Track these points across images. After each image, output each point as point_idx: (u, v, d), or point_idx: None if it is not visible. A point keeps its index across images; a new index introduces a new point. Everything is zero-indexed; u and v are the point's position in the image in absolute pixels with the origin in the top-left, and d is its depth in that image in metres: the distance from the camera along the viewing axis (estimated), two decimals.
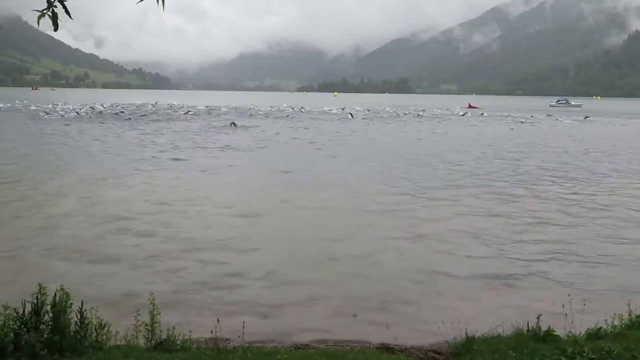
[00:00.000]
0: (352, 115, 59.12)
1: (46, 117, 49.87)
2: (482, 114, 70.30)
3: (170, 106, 76.45)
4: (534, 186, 17.58)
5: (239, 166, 21.50)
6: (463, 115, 66.66)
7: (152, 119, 49.51)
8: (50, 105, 68.45)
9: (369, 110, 73.61)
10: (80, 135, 33.12)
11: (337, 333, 6.75)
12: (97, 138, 31.12)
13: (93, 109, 63.62)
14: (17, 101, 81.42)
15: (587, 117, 64.95)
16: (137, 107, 71.14)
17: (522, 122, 55.58)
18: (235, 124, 41.87)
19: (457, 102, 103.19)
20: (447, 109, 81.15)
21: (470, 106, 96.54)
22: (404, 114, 68.40)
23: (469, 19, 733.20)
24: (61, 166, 20.55)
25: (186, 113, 59.44)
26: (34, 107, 64.62)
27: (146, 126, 40.94)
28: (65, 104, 73.32)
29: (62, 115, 51.96)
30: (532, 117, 63.97)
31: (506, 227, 12.20)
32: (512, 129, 44.61)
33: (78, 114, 54.76)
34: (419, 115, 66.08)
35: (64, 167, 20.40)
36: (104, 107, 68.75)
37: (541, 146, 30.91)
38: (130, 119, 49.35)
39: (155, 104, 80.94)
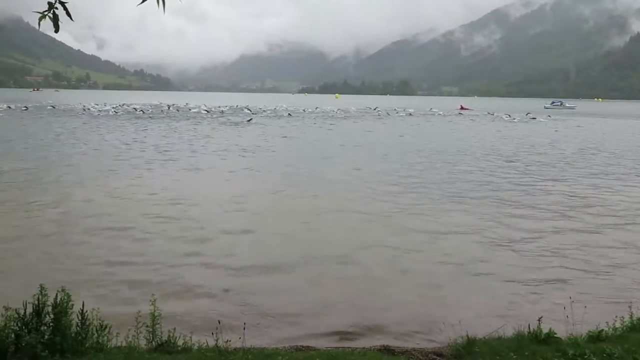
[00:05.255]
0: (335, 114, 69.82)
1: (97, 114, 57.67)
2: (460, 113, 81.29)
3: (185, 106, 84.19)
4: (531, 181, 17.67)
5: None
6: (435, 114, 76.15)
7: (182, 118, 55.27)
8: (81, 105, 75.63)
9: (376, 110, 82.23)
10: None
11: (338, 334, 6.75)
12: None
13: (115, 110, 68.94)
14: (44, 102, 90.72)
15: (554, 119, 71.70)
16: (154, 107, 77.67)
17: (492, 121, 62.76)
18: (250, 120, 51.59)
19: (449, 104, 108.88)
20: (430, 109, 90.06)
21: (462, 107, 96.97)
22: (390, 114, 74.83)
23: (470, 21, 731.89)
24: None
25: (208, 112, 67.48)
26: (65, 108, 71.42)
27: (183, 123, 46.93)
28: (96, 104, 79.71)
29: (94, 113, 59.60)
30: (510, 116, 69.69)
31: (505, 230, 12.21)
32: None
33: (117, 112, 62.20)
34: (410, 114, 73.52)
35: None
36: (131, 107, 75.64)
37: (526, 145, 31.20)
38: (147, 116, 55.84)
39: (166, 103, 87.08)
